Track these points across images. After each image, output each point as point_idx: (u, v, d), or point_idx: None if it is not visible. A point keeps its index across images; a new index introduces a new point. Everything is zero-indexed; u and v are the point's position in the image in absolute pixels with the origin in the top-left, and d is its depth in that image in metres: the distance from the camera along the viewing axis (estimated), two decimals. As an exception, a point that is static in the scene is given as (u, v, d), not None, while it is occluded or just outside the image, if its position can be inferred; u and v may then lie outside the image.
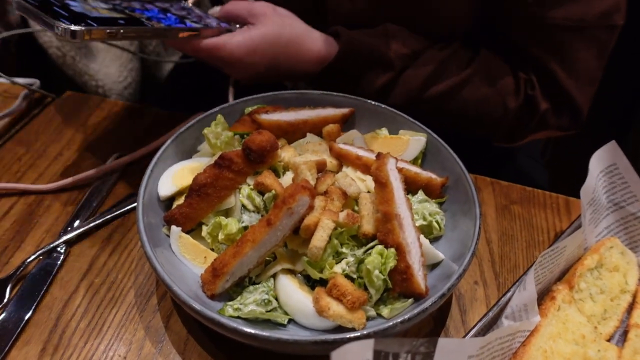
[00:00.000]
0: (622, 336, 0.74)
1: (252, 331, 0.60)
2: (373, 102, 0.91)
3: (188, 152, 0.85)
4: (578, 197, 0.93)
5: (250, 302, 0.66)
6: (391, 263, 0.66)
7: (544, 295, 0.73)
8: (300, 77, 1.02)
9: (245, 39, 0.89)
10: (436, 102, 1.00)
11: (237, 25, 0.93)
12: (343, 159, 0.80)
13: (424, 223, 0.76)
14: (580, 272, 0.75)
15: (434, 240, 0.78)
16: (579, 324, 0.70)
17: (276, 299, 0.68)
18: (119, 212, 0.86)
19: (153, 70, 1.64)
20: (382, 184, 0.70)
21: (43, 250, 0.79)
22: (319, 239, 0.65)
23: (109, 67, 1.48)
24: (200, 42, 0.87)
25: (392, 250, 0.67)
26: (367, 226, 0.70)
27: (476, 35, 1.04)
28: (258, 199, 0.73)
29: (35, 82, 1.12)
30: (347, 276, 0.67)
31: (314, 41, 0.96)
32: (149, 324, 0.73)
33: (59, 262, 0.79)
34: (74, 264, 0.80)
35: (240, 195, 0.74)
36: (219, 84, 1.23)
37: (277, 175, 0.77)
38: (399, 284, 0.67)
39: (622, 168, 0.82)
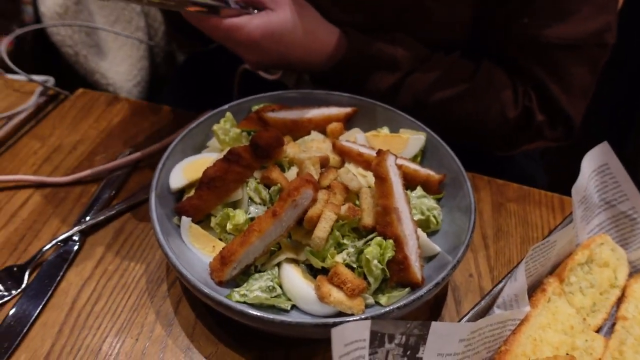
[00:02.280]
0: (610, 328, 0.78)
1: (258, 314, 0.64)
2: (375, 102, 0.95)
3: (197, 148, 0.89)
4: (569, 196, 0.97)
5: (256, 288, 0.70)
6: (389, 253, 0.70)
7: (535, 288, 0.77)
8: (309, 69, 1.05)
9: (264, 22, 0.89)
10: (441, 108, 1.04)
11: (255, 10, 0.93)
12: (345, 156, 0.84)
13: (422, 217, 0.80)
14: (570, 267, 0.78)
15: (431, 234, 0.81)
16: (568, 315, 0.74)
17: (280, 286, 0.72)
18: (131, 203, 0.90)
19: (161, 70, 1.69)
20: (381, 179, 0.74)
21: (59, 238, 0.83)
22: (322, 230, 0.69)
23: (120, 65, 1.52)
24: (220, 20, 0.86)
25: (391, 241, 0.70)
26: (367, 219, 0.74)
27: (475, 48, 1.08)
28: (264, 192, 0.77)
29: (49, 79, 1.16)
30: (348, 265, 0.71)
31: (328, 34, 1.00)
32: (159, 309, 0.77)
33: (74, 250, 0.83)
34: (89, 252, 0.84)
35: (248, 188, 0.78)
36: (224, 83, 1.27)
37: (283, 170, 0.81)
38: (397, 273, 0.71)
39: (614, 168, 0.86)
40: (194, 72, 1.57)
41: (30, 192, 0.93)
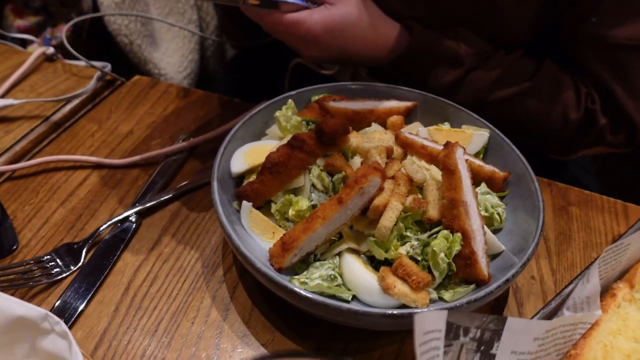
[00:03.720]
0: (682, 340, 0.74)
1: (325, 300, 0.62)
2: (436, 97, 0.93)
3: (257, 135, 0.88)
4: (631, 203, 0.94)
5: (316, 277, 0.69)
6: (456, 247, 0.67)
7: (604, 293, 0.74)
8: (369, 64, 1.03)
9: (324, 17, 0.88)
10: (501, 106, 1.01)
11: (315, 5, 0.91)
12: (408, 148, 0.82)
13: (486, 214, 0.78)
14: (641, 273, 0.75)
15: (494, 232, 0.79)
16: (638, 322, 0.71)
17: (341, 276, 0.70)
18: (187, 187, 0.90)
19: (211, 64, 1.69)
20: (450, 171, 0.72)
21: (116, 219, 0.83)
22: (388, 219, 0.68)
23: (171, 57, 1.54)
24: (280, 16, 0.86)
25: (458, 235, 0.68)
26: (433, 211, 0.72)
27: (538, 47, 1.05)
28: (327, 180, 0.76)
29: (107, 65, 1.17)
30: (412, 258, 0.69)
31: (389, 28, 0.98)
32: (215, 294, 0.76)
33: (131, 231, 0.83)
34: (145, 233, 0.84)
35: (311, 175, 0.76)
36: (273, 78, 1.27)
37: (346, 159, 0.79)
38: (462, 269, 0.69)
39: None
40: (243, 67, 1.57)
41: (87, 173, 0.94)
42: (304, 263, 0.72)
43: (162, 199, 0.87)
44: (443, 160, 0.72)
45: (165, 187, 0.91)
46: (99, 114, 1.08)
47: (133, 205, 0.86)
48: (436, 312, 0.51)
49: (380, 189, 0.70)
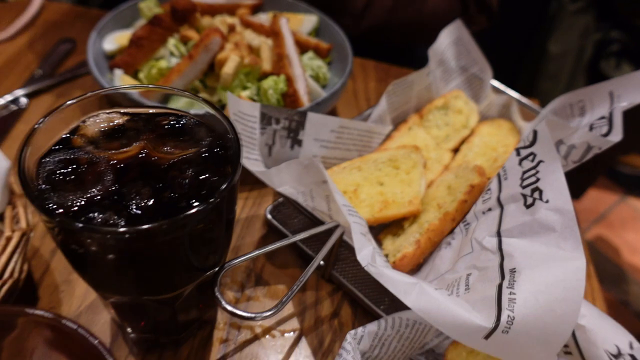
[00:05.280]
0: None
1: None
2: (280, -6, 1.14)
3: (127, 27, 1.05)
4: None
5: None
6: (281, 85, 0.89)
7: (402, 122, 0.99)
8: None
9: None
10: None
11: None
12: (250, 27, 1.03)
13: (312, 74, 1.00)
14: (429, 108, 1.01)
15: (322, 87, 1.01)
16: (424, 138, 0.96)
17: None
18: (74, 73, 1.06)
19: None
20: (276, 33, 0.93)
21: (9, 99, 0.98)
22: (229, 67, 0.88)
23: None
24: None
25: (282, 76, 0.90)
26: (266, 65, 0.93)
27: None
28: (183, 48, 0.95)
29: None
30: (251, 99, 0.90)
31: None
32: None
33: (23, 107, 0.98)
34: (35, 108, 0.99)
35: (169, 45, 0.95)
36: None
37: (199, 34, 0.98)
38: (290, 105, 0.91)
39: (465, 40, 1.08)
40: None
41: (-22, 71, 1.07)
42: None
43: (49, 83, 1.03)
44: (271, 27, 0.94)
45: (52, 74, 1.06)
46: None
47: (23, 88, 1.01)
48: (250, 102, 0.72)
49: (222, 47, 0.90)
